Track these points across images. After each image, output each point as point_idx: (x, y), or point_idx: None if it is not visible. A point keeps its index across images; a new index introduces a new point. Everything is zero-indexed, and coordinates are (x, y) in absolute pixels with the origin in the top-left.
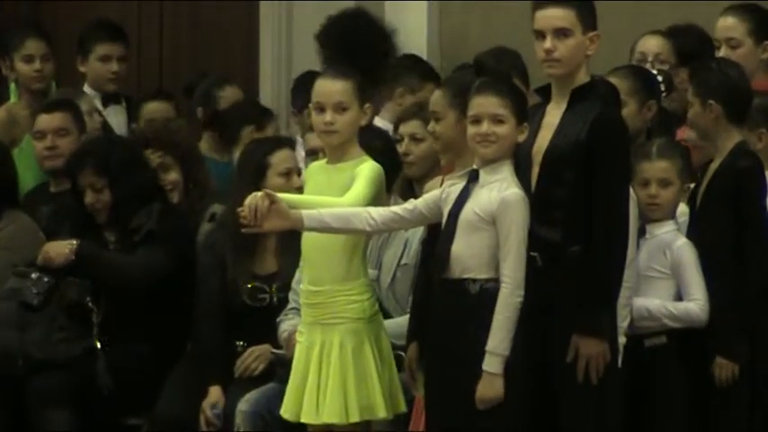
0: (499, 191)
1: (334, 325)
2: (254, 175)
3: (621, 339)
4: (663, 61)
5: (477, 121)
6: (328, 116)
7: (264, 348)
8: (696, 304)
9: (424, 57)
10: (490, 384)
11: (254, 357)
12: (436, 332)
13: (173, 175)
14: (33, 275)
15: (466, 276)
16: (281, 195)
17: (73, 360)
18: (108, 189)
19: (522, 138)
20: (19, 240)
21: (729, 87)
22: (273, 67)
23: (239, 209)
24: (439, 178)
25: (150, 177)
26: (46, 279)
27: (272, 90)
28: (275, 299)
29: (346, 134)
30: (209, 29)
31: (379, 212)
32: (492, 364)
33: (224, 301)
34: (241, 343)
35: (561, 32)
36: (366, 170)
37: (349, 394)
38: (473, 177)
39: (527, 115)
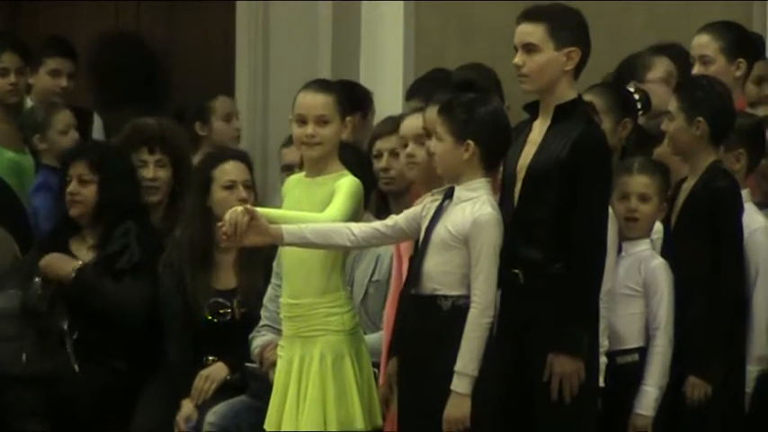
0: (472, 210)
1: (314, 338)
2: (201, 189)
3: (602, 359)
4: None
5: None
6: (310, 129)
7: (214, 369)
8: (660, 348)
9: (400, 79)
10: (458, 405)
11: (203, 380)
12: (408, 348)
13: (164, 174)
14: (36, 280)
15: (438, 293)
16: (261, 210)
17: (49, 375)
18: (96, 186)
19: (466, 156)
20: None
21: (718, 107)
22: (250, 70)
23: (219, 224)
24: (427, 196)
25: (136, 193)
26: (50, 287)
27: (247, 93)
28: (237, 314)
29: (327, 147)
30: (186, 32)
31: (359, 228)
32: (460, 384)
33: (188, 318)
34: (212, 358)
35: (529, 48)
36: (346, 185)
37: (328, 406)
38: (449, 194)
39: (470, 132)
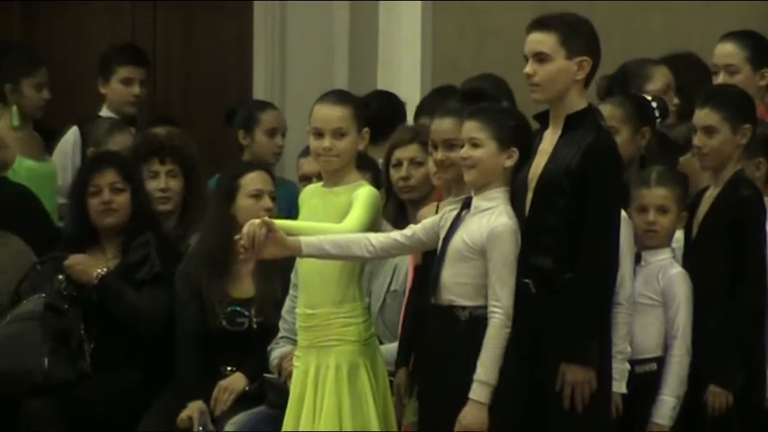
0: (489, 221)
1: (329, 348)
2: (225, 196)
3: (626, 366)
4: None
5: (461, 145)
6: (327, 142)
7: (233, 380)
8: (678, 358)
9: (418, 85)
10: (477, 413)
11: (222, 391)
12: (427, 359)
13: (175, 184)
14: (60, 277)
15: (455, 303)
16: (278, 222)
17: (66, 384)
18: (129, 194)
19: (509, 163)
20: (13, 265)
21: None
22: (267, 73)
23: (237, 237)
24: (433, 205)
25: (151, 204)
26: (72, 287)
27: (264, 97)
28: (254, 323)
29: (345, 159)
30: (203, 35)
31: (377, 238)
32: (480, 392)
33: (202, 327)
34: (229, 368)
35: (541, 57)
36: (363, 195)
37: (344, 417)
38: (466, 204)
39: (516, 139)
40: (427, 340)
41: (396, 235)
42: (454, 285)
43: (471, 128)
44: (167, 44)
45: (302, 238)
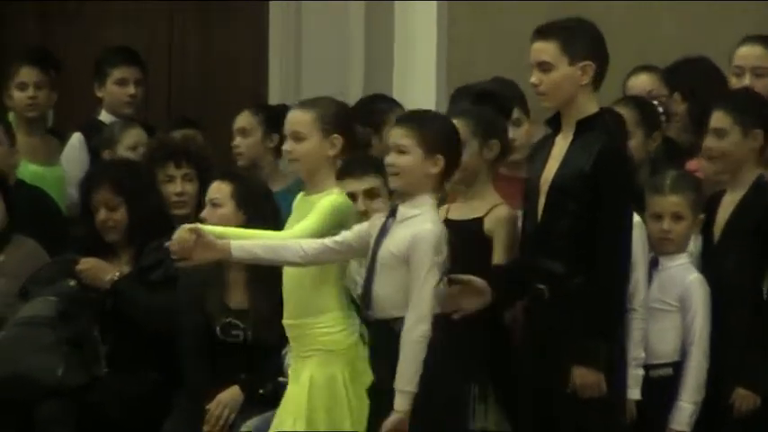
0: (413, 229)
1: (307, 357)
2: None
3: (639, 372)
4: (656, 96)
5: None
6: (287, 145)
7: (230, 393)
8: (695, 363)
9: (433, 86)
10: (397, 423)
11: (221, 406)
12: (373, 371)
13: (191, 188)
14: (72, 283)
15: (390, 316)
16: (208, 228)
17: (80, 388)
18: (124, 207)
19: (435, 170)
20: (27, 268)
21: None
22: (282, 75)
23: (167, 243)
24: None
25: (162, 204)
26: (84, 292)
27: (280, 98)
28: (249, 334)
29: (306, 163)
30: (219, 41)
31: (309, 244)
32: (400, 402)
33: (206, 335)
34: (243, 375)
35: (544, 66)
36: (322, 204)
37: (318, 426)
38: (392, 212)
39: (443, 146)
40: (370, 353)
41: (327, 241)
42: (388, 297)
43: (397, 134)
44: (183, 47)
45: (233, 242)
